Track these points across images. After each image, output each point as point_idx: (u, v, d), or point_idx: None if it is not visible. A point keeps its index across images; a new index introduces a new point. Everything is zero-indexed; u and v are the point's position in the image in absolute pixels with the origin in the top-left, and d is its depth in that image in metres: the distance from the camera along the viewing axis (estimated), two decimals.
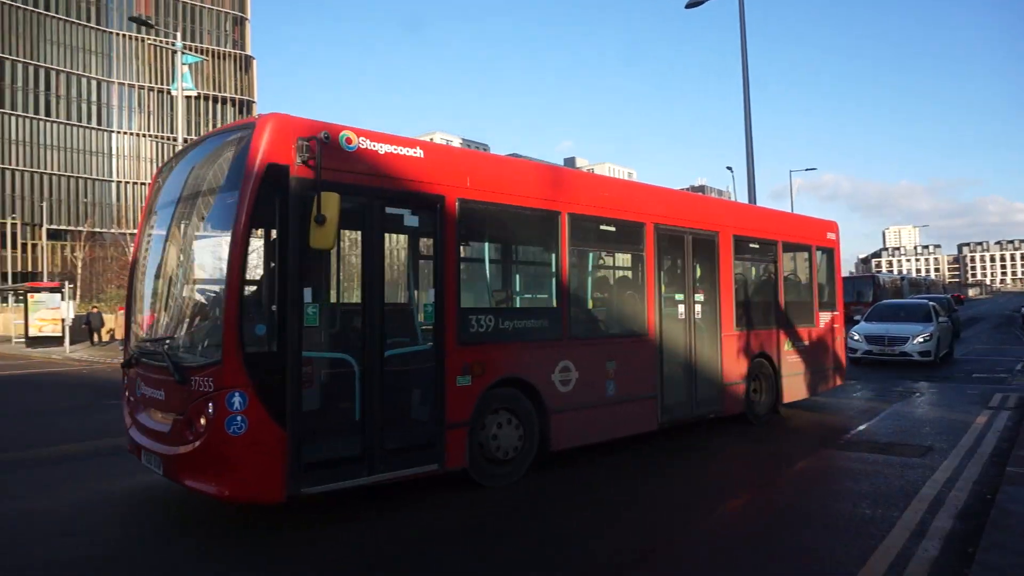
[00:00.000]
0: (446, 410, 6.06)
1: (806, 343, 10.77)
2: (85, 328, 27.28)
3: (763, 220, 10.60)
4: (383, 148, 5.89)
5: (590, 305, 8.26)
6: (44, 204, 60.33)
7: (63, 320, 26.15)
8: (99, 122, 68.32)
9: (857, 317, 21.59)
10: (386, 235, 6.01)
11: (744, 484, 6.94)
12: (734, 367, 9.28)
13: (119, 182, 69.49)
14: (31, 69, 63.66)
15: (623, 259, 9.07)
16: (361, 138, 5.77)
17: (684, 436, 8.74)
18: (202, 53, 63.73)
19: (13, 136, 62.95)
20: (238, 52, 74.56)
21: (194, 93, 43.01)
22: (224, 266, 5.10)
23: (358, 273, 5.84)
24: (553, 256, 7.40)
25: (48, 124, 64.90)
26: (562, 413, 6.99)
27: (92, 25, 67.52)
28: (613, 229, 8.08)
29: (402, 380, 6.03)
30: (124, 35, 68.55)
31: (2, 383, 16.47)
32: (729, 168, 43.51)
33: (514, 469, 6.63)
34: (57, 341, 26.21)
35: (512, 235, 7.76)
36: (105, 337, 28.89)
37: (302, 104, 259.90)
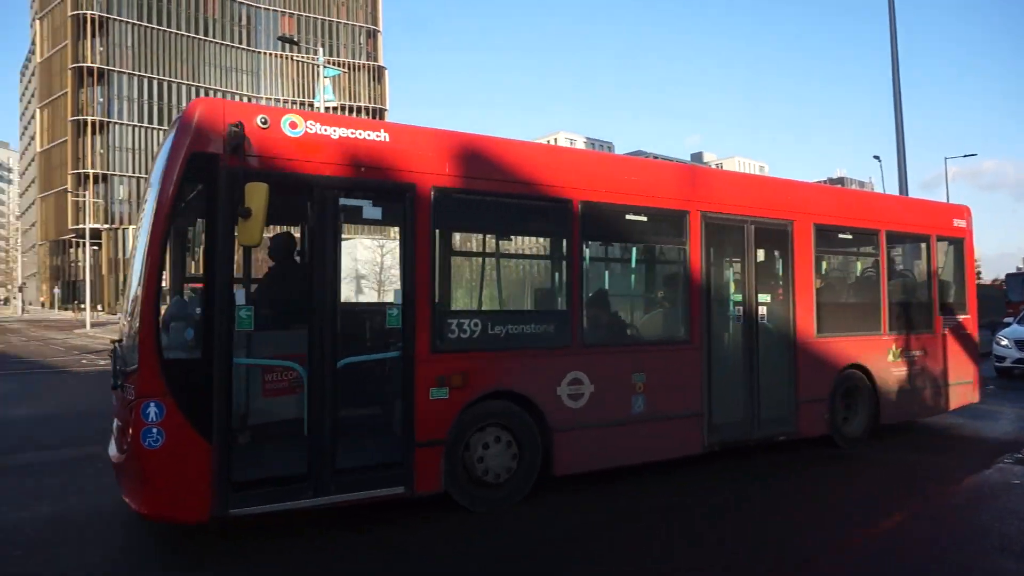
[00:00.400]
0: (415, 427, 5.38)
1: (919, 352, 9.04)
2: None
3: (858, 206, 9.02)
4: (337, 132, 5.29)
5: (611, 308, 7.38)
6: None
7: None
8: None
9: (1008, 320, 19.23)
10: (347, 229, 5.60)
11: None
12: (814, 380, 7.88)
13: None
14: (192, 90, 70.27)
15: (658, 254, 8.04)
16: (309, 122, 5.22)
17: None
18: (339, 66, 67.64)
19: None
20: (371, 63, 78.51)
21: (335, 104, 45.84)
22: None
23: (311, 272, 5.30)
24: (560, 251, 6.53)
25: None
26: (570, 432, 6.13)
27: (243, 47, 73.60)
28: (644, 219, 7.02)
29: (361, 392, 5.58)
30: (271, 54, 74.18)
31: None
32: (876, 157, 40.34)
33: (510, 493, 5.83)
34: None
35: (506, 227, 6.72)
36: None
37: (430, 112, 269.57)
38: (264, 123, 5.00)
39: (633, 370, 6.59)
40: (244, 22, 73.92)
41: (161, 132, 68.25)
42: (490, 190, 5.95)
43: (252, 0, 73.73)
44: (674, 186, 7.16)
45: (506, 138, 6.43)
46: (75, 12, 65.40)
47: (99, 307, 55.11)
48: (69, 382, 16.21)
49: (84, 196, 59.27)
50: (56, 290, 72.70)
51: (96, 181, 65.65)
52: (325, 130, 5.27)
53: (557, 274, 6.64)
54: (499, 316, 6.55)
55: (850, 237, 8.77)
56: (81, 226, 57.93)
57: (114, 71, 66.20)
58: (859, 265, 9.49)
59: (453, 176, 5.72)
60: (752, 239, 7.63)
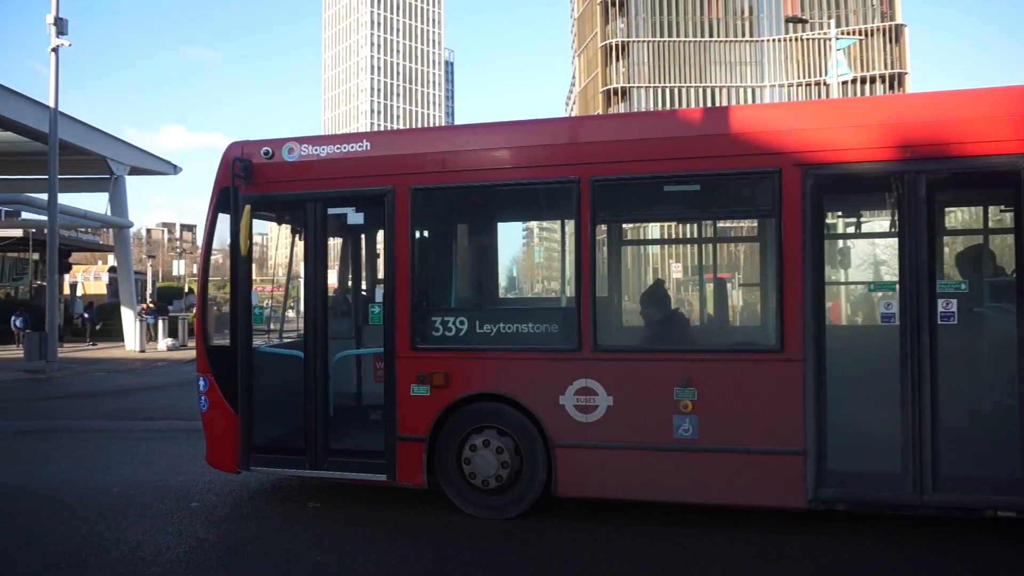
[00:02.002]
0: (396, 421, 5.68)
1: None
2: None
3: None
4: (324, 150, 5.95)
5: (643, 303, 6.21)
6: None
7: None
8: None
9: None
10: (340, 236, 6.41)
11: None
12: None
13: None
14: (699, 92, 74.17)
15: (727, 230, 6.37)
16: (304, 146, 5.99)
17: None
18: (851, 35, 62.50)
19: None
20: (887, 24, 70.27)
21: (849, 77, 42.60)
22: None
23: (311, 275, 6.05)
24: (565, 237, 6.09)
25: None
26: (576, 449, 5.36)
27: (746, 39, 74.30)
28: (696, 188, 5.55)
29: (352, 383, 6.50)
30: (774, 40, 73.11)
31: None
32: None
33: (509, 503, 5.52)
34: None
35: (495, 218, 6.86)
36: None
37: (960, 75, 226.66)
38: (267, 155, 6.01)
39: (678, 382, 5.18)
40: (746, 15, 74.60)
41: None
42: (474, 181, 5.77)
43: None
44: (761, 128, 5.23)
45: (484, 123, 6.12)
46: (603, 43, 75.99)
47: None
48: None
49: None
50: None
51: None
52: (315, 150, 5.99)
53: (561, 264, 6.04)
54: (486, 314, 6.07)
55: None
56: None
57: (634, 87, 74.54)
58: None
59: (433, 174, 5.71)
60: (920, 195, 4.82)
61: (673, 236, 7.17)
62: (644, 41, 74.52)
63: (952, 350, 4.95)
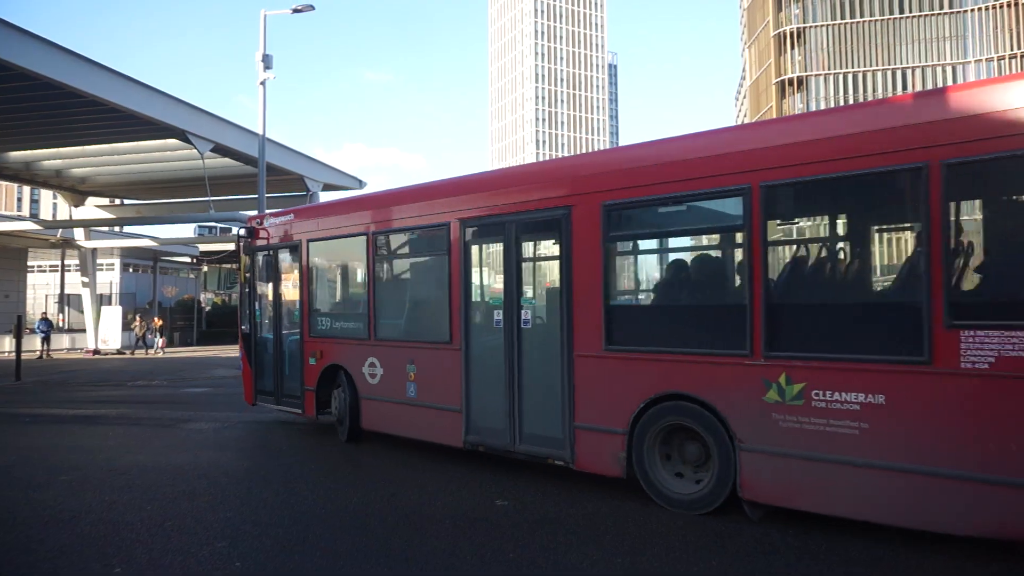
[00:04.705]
0: (303, 378, 9.52)
1: None
2: None
3: None
4: (278, 220, 10.25)
5: (393, 309, 8.76)
6: None
7: None
8: None
9: None
10: (288, 269, 10.10)
11: None
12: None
13: None
14: (889, 74, 67.82)
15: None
16: (270, 218, 10.46)
17: None
18: None
19: None
20: None
21: None
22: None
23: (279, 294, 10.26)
24: (363, 272, 8.88)
25: None
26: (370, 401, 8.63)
27: (945, 11, 66.81)
28: (416, 236, 8.37)
29: (294, 354, 9.73)
30: (978, 9, 65.13)
31: None
32: None
33: (345, 430, 9.06)
34: None
35: (350, 264, 9.69)
36: None
37: None
38: (259, 223, 10.57)
39: (407, 362, 8.05)
40: None
41: None
42: (341, 235, 9.18)
43: None
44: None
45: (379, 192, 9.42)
46: (777, 31, 71.83)
47: None
48: None
49: None
50: None
51: None
52: (273, 220, 10.34)
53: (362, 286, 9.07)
54: (333, 316, 9.50)
55: None
56: None
57: (811, 76, 69.71)
58: None
59: (321, 231, 9.45)
60: (512, 235, 7.18)
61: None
62: (823, 25, 69.49)
63: (530, 346, 6.86)
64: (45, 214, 70.07)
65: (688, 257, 6.59)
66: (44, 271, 42.52)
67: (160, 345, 30.56)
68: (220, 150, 22.81)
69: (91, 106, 18.20)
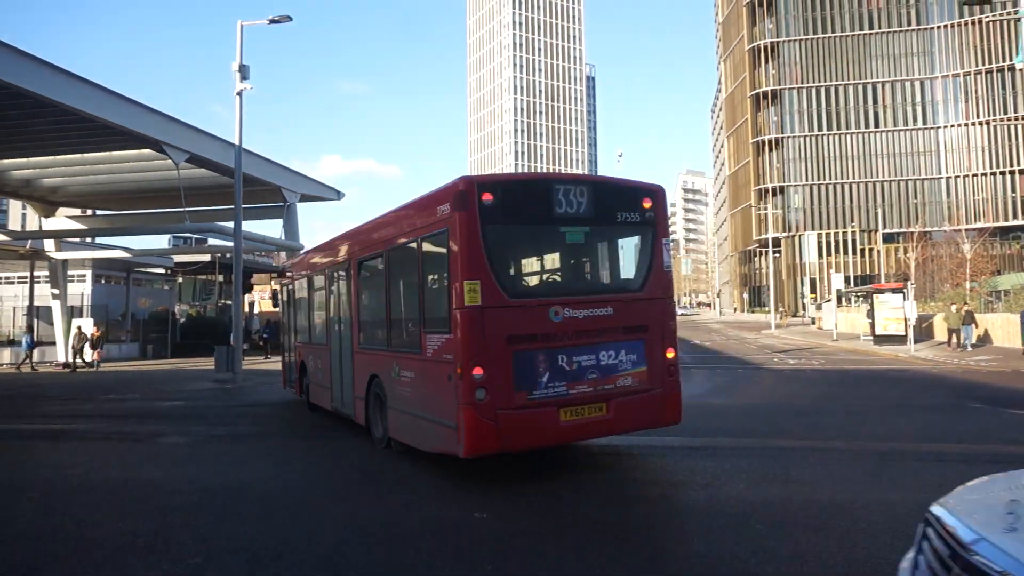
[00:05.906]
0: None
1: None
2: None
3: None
4: (310, 254, 13.41)
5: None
6: (878, 210, 64.66)
7: (906, 319, 26.98)
8: (924, 121, 68.59)
9: None
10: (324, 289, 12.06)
11: None
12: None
13: (948, 178, 67.96)
14: (860, 88, 69.23)
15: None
16: (292, 259, 15.93)
17: None
18: None
19: (848, 152, 69.94)
20: None
21: None
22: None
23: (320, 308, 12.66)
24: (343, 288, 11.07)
25: (876, 135, 69.26)
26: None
27: (913, 28, 68.47)
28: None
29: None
30: (944, 27, 66.87)
31: (857, 377, 18.15)
32: None
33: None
34: (900, 340, 27.22)
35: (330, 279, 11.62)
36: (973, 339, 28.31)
37: None
38: (289, 263, 15.04)
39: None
40: (913, 2, 68.84)
41: (831, 138, 69.58)
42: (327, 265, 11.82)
43: None
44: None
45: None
46: (751, 45, 73.05)
47: (780, 308, 59.62)
48: (766, 378, 18.02)
49: (765, 209, 65.37)
50: (744, 295, 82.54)
51: (774, 194, 71.44)
52: (308, 254, 13.85)
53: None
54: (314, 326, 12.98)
55: None
56: (763, 236, 63.93)
57: (785, 89, 70.93)
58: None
59: (314, 264, 12.65)
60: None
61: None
62: (795, 40, 70.82)
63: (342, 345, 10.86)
64: (14, 224, 68.70)
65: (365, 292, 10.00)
66: (12, 283, 41.72)
67: (94, 357, 27.34)
68: (196, 160, 22.62)
69: (63, 116, 17.98)
